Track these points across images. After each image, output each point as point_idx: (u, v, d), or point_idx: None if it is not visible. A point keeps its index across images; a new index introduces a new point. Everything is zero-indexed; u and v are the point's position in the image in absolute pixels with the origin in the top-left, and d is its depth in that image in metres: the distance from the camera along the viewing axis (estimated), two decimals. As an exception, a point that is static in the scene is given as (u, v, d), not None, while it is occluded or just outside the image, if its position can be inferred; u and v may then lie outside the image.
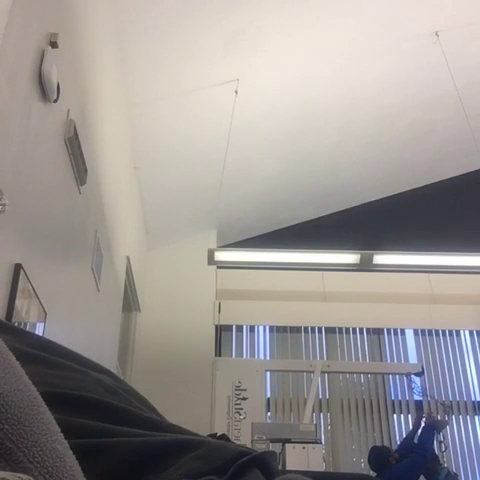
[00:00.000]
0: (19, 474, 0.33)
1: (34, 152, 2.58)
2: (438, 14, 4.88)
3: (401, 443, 5.35)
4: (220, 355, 6.56)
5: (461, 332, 6.89)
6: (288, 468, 4.16)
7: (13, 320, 2.34)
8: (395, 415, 6.55)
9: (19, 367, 0.39)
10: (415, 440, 4.99)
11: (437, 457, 4.88)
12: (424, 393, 5.95)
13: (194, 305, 6.59)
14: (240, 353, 6.69)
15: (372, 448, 5.16)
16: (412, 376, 5.71)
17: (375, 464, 4.80)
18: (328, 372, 6.22)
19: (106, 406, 0.50)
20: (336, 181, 6.71)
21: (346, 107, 5.65)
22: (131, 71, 4.55)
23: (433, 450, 4.90)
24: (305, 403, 5.80)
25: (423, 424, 5.09)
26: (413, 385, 5.76)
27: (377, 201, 7.19)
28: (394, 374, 6.42)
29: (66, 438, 0.38)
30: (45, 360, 0.53)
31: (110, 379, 0.56)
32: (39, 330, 2.71)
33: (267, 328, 6.82)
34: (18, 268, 2.39)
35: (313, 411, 5.89)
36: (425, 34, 5.01)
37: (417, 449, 4.79)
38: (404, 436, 5.60)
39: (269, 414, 6.37)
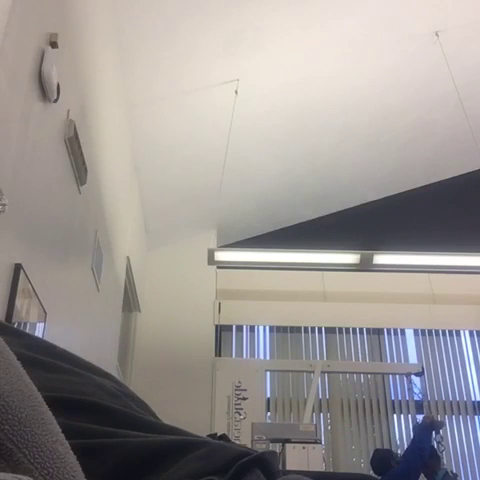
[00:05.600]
0: (19, 476, 0.33)
1: (34, 152, 2.58)
2: (438, 14, 4.88)
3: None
4: (220, 355, 6.56)
5: (461, 332, 6.89)
6: (288, 468, 4.16)
7: (13, 320, 2.33)
8: (395, 415, 6.54)
9: (20, 367, 0.39)
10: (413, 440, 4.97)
11: (439, 457, 4.87)
12: (424, 395, 5.94)
13: (194, 305, 6.58)
14: (240, 353, 6.69)
15: (375, 451, 5.14)
16: (412, 377, 5.71)
17: (377, 468, 4.79)
18: (328, 372, 6.22)
19: (107, 409, 0.50)
20: (336, 181, 6.71)
21: (346, 107, 5.65)
22: (131, 71, 4.55)
23: (433, 449, 4.89)
24: (305, 403, 5.80)
25: (420, 423, 5.08)
26: (413, 386, 5.74)
27: (377, 201, 7.19)
28: (394, 374, 6.42)
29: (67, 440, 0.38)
30: (45, 364, 0.53)
31: (111, 383, 0.56)
32: (39, 330, 2.71)
33: (267, 328, 6.82)
34: (18, 268, 2.39)
35: (313, 411, 5.89)
36: (425, 34, 5.00)
37: (413, 449, 4.77)
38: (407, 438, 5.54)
39: (269, 414, 6.37)
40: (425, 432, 4.84)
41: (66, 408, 0.47)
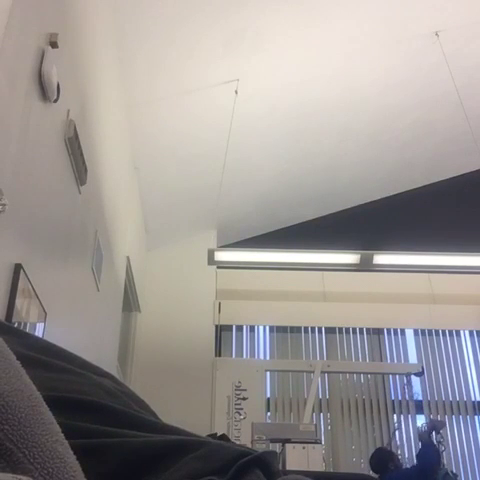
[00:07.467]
0: (19, 476, 0.33)
1: (34, 152, 2.58)
2: (438, 14, 4.88)
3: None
4: (220, 355, 6.56)
5: (461, 332, 6.89)
6: (288, 468, 4.16)
7: (13, 320, 2.33)
8: (395, 415, 6.54)
9: (20, 367, 0.39)
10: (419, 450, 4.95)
11: (440, 460, 4.85)
12: (419, 394, 5.93)
13: (194, 305, 6.58)
14: (240, 353, 6.69)
15: (377, 450, 5.15)
16: (411, 377, 5.70)
17: (375, 466, 4.81)
18: (328, 372, 6.22)
19: (106, 409, 0.50)
20: (336, 181, 6.71)
21: (346, 107, 5.65)
22: (131, 71, 4.55)
23: (438, 457, 4.83)
24: (305, 403, 5.80)
25: (424, 430, 5.05)
26: (411, 387, 5.72)
27: (377, 201, 7.19)
28: (394, 374, 6.41)
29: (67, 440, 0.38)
30: (45, 363, 0.53)
31: (111, 382, 0.56)
32: (39, 330, 2.71)
33: (267, 328, 6.82)
34: (18, 268, 2.39)
35: (313, 411, 5.89)
36: (425, 34, 5.00)
37: (418, 460, 4.78)
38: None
39: (269, 414, 6.37)
40: (428, 450, 4.79)
41: (66, 408, 0.47)
